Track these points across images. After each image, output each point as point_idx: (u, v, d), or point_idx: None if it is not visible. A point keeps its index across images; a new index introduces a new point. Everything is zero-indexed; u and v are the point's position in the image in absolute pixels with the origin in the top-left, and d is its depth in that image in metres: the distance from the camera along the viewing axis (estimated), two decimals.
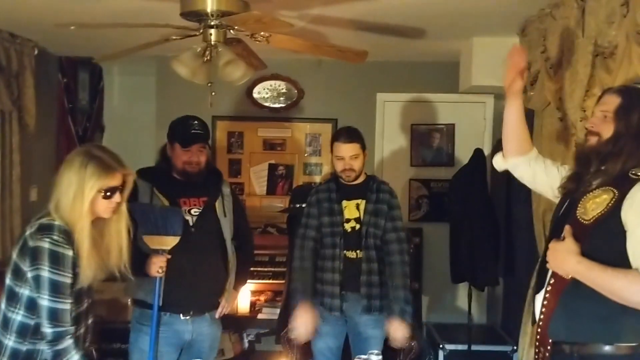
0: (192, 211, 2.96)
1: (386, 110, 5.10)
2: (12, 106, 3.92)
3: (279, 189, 5.18)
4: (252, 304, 4.65)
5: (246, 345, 4.65)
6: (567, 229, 1.95)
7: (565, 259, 1.92)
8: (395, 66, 4.98)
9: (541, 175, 2.36)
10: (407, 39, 4.03)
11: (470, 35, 4.00)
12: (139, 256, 2.72)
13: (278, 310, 4.15)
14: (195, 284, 2.92)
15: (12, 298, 2.21)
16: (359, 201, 3.24)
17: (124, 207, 2.34)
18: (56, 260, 2.15)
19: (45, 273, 2.13)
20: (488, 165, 4.69)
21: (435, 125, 5.11)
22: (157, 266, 2.77)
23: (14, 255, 2.20)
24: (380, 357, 2.24)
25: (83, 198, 2.19)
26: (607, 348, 1.89)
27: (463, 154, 4.89)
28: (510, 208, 4.75)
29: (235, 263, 3.11)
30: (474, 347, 4.38)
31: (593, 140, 2.04)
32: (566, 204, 2.09)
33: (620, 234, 1.85)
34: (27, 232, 2.19)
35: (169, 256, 2.80)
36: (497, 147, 4.89)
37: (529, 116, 3.40)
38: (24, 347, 2.20)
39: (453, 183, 4.64)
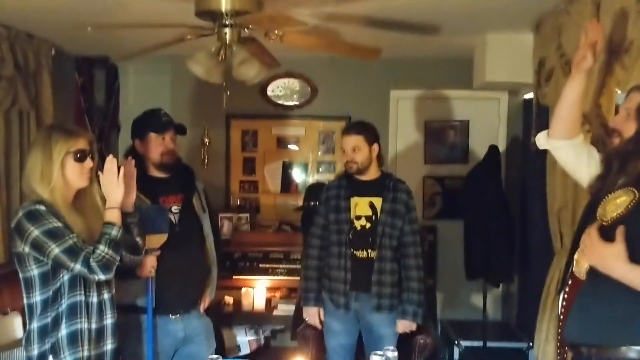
0: (173, 209, 2.93)
1: (400, 107, 5.09)
2: (30, 106, 3.96)
3: (293, 187, 5.20)
4: (268, 301, 4.67)
5: (262, 341, 4.68)
6: (620, 231, 1.82)
7: (614, 265, 1.81)
8: (408, 63, 4.97)
9: (583, 164, 2.28)
10: (420, 35, 4.01)
11: (485, 31, 3.98)
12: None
13: (293, 307, 4.17)
14: (184, 282, 2.90)
15: (27, 286, 2.23)
16: (373, 199, 3.22)
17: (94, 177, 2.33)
18: (33, 217, 2.16)
19: (35, 233, 2.14)
20: (503, 162, 4.68)
21: (449, 121, 5.09)
22: (150, 266, 2.71)
23: (13, 250, 2.23)
24: (396, 353, 2.24)
25: (52, 163, 2.20)
26: (623, 349, 1.82)
27: (477, 151, 4.87)
28: (525, 205, 4.74)
29: (216, 257, 3.10)
30: (489, 344, 4.38)
31: (616, 140, 2.01)
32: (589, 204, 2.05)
33: (639, 236, 1.80)
34: None
35: (158, 252, 2.74)
36: (512, 144, 4.93)
37: (544, 112, 3.39)
38: (48, 318, 2.23)
39: (467, 180, 4.63)
